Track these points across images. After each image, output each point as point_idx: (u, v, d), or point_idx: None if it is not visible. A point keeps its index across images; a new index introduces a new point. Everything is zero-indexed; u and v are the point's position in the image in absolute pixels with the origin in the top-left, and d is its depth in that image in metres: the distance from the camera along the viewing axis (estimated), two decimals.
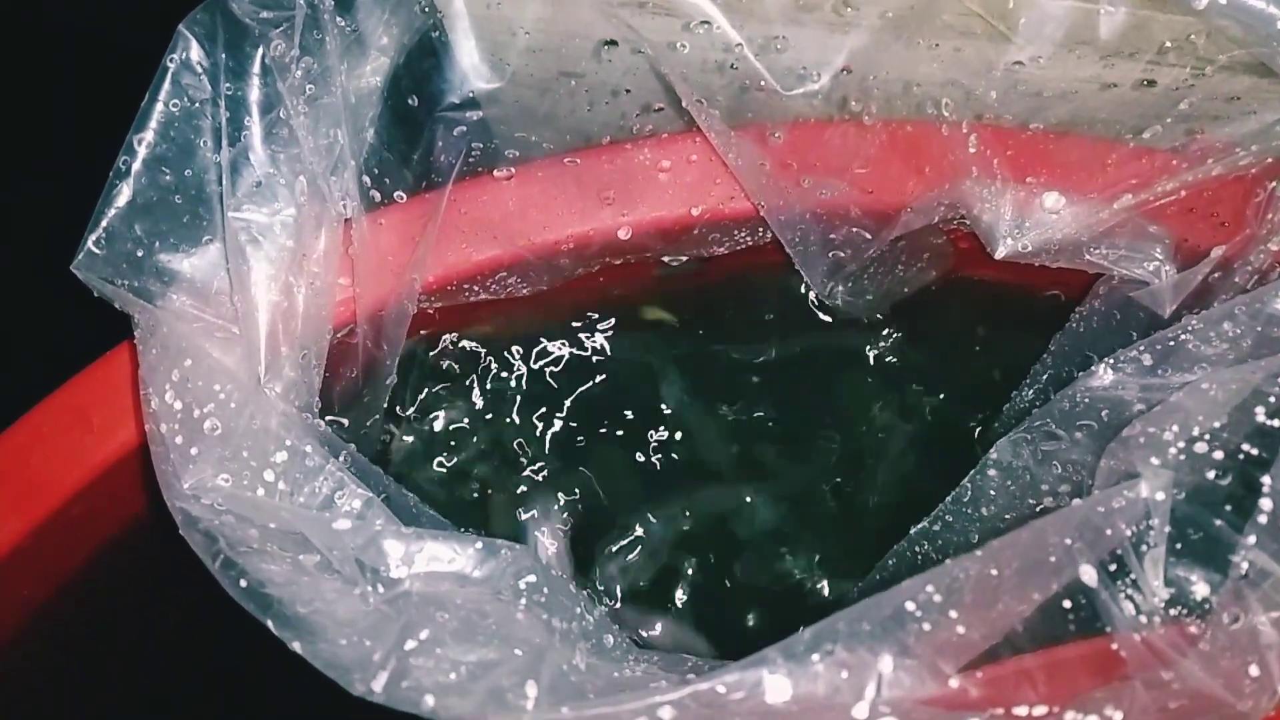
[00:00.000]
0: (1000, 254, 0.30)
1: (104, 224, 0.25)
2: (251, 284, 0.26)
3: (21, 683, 0.35)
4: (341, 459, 0.26)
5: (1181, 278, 0.27)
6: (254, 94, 0.25)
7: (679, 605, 0.32)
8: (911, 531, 0.31)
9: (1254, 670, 0.19)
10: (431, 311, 0.33)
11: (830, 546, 0.34)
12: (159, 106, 0.25)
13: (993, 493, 0.31)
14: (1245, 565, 0.20)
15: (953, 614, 0.19)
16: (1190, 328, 0.26)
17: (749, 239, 0.33)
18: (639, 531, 0.33)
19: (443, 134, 0.27)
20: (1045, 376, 0.33)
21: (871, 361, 0.38)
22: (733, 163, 0.28)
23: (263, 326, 0.26)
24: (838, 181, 0.27)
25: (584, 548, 0.33)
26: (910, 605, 0.19)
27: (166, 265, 0.26)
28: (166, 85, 0.25)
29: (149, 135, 0.25)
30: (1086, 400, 0.27)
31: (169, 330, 0.25)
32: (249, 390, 0.24)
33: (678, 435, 0.34)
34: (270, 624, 0.21)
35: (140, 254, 0.26)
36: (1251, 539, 0.20)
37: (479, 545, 0.22)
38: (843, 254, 0.31)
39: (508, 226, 0.30)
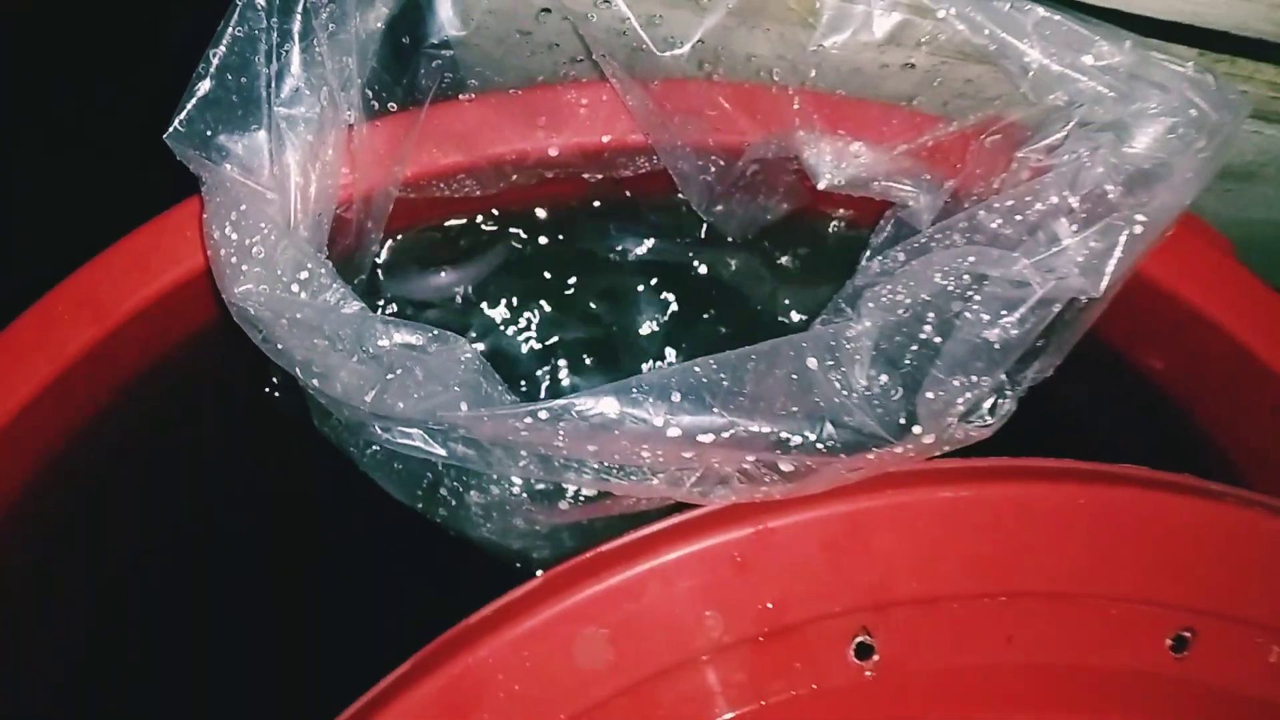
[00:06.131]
0: (821, 185, 0.42)
1: (187, 110, 0.36)
2: (287, 161, 0.37)
3: (85, 476, 0.46)
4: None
5: (930, 202, 0.39)
6: (295, 27, 0.36)
7: None
8: None
9: (902, 420, 0.31)
10: (411, 200, 0.44)
11: None
12: (229, 31, 0.36)
13: None
14: (907, 362, 0.32)
15: (721, 375, 0.31)
16: (930, 235, 0.38)
17: (647, 165, 0.45)
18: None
19: (425, 65, 0.38)
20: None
21: (736, 270, 0.50)
22: (629, 103, 0.40)
23: (293, 190, 0.37)
24: (698, 120, 0.39)
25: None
26: (697, 368, 0.31)
27: (225, 144, 0.37)
28: (235, 17, 0.36)
29: (221, 50, 0.36)
30: (861, 283, 0.39)
31: (229, 186, 0.36)
32: (283, 230, 0.36)
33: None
34: (297, 371, 0.33)
35: (209, 134, 0.36)
36: (915, 347, 0.32)
37: (434, 332, 0.33)
38: (709, 178, 0.43)
39: (468, 139, 0.42)
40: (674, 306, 0.48)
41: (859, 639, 0.36)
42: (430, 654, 0.36)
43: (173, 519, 0.49)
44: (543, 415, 0.30)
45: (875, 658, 0.36)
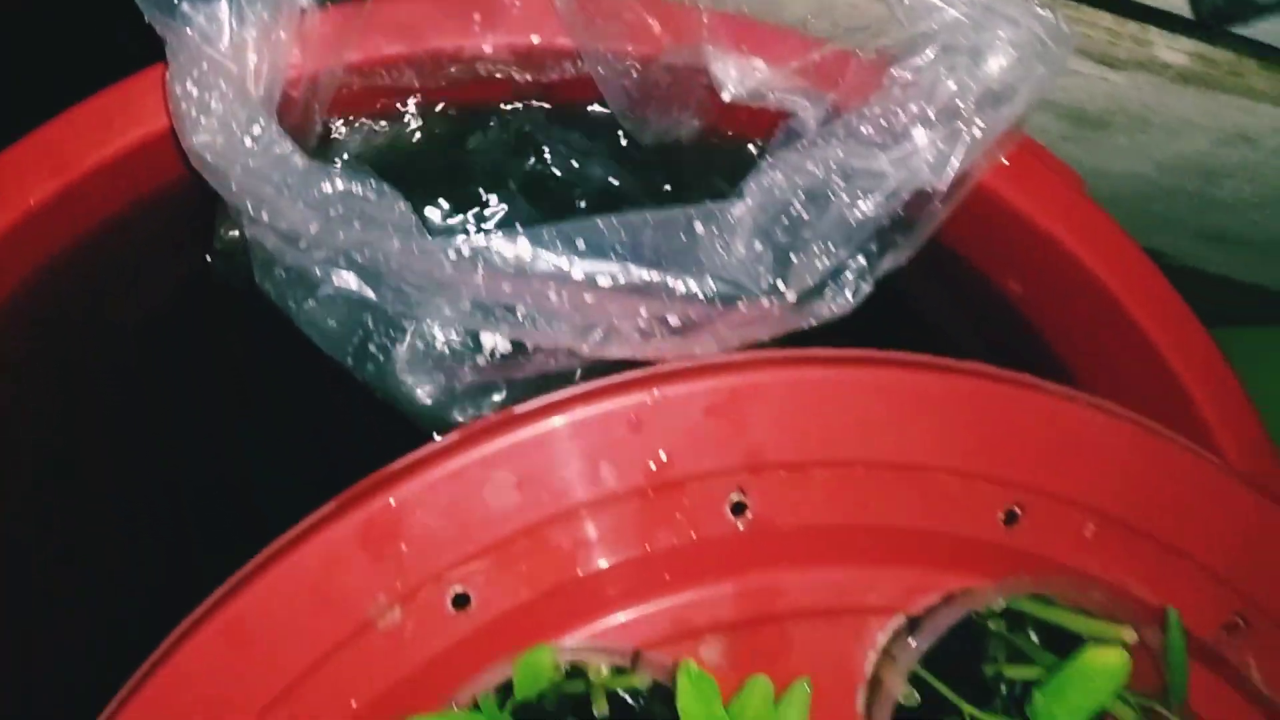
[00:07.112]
0: (726, 97, 0.47)
1: None
2: (244, 35, 0.41)
3: (34, 324, 0.49)
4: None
5: (816, 113, 0.45)
6: None
7: None
8: None
9: (771, 279, 0.37)
10: (353, 89, 0.48)
11: None
12: None
13: None
14: (780, 235, 0.38)
15: (620, 230, 0.36)
16: (813, 138, 0.44)
17: (573, 70, 0.50)
18: None
19: None
20: None
21: (649, 180, 0.55)
22: (556, 4, 0.45)
23: (249, 62, 0.41)
24: (616, 24, 0.44)
25: None
26: (600, 223, 0.36)
27: (189, 12, 0.41)
28: None
29: None
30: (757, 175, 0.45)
31: (192, 48, 0.40)
32: (239, 88, 0.40)
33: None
34: (248, 206, 0.37)
35: (176, 1, 0.40)
36: (786, 223, 0.38)
37: (374, 183, 0.38)
38: (628, 83, 0.48)
39: (410, 30, 0.46)
40: (583, 204, 0.53)
41: (734, 497, 0.41)
42: (354, 494, 0.41)
43: (114, 376, 0.53)
44: (465, 251, 0.35)
45: (748, 514, 0.42)
